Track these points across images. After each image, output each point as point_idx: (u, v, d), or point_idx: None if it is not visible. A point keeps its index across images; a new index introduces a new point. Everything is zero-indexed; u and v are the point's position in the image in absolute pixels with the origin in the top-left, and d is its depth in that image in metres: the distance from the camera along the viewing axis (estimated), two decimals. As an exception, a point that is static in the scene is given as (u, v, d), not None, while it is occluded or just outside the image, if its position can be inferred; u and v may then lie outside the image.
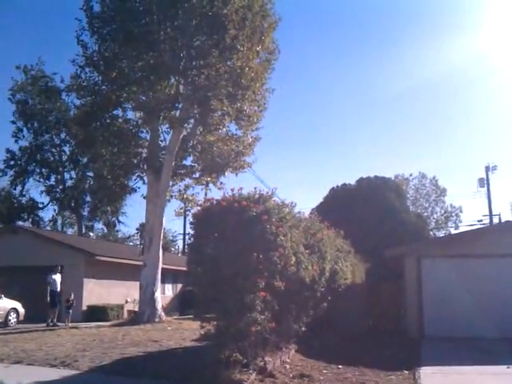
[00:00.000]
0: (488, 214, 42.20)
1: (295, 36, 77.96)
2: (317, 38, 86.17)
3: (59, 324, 18.24)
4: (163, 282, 22.95)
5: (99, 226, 47.77)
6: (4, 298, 18.87)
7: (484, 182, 43.05)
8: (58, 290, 19.03)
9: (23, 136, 40.47)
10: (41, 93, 39.86)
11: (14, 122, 39.87)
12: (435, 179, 59.90)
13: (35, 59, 43.75)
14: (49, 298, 18.62)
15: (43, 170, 41.39)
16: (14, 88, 39.56)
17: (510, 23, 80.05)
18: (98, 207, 42.44)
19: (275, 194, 9.66)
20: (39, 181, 41.51)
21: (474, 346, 12.98)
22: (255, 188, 9.20)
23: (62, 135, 41.59)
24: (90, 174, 39.45)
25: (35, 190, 42.76)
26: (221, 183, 21.49)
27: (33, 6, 70.34)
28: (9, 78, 60.58)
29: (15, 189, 41.28)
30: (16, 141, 40.18)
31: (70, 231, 49.03)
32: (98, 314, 21.55)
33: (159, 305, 19.30)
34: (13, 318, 19.00)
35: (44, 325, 18.09)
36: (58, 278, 19.18)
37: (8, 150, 40.17)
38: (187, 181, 22.13)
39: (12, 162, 40.41)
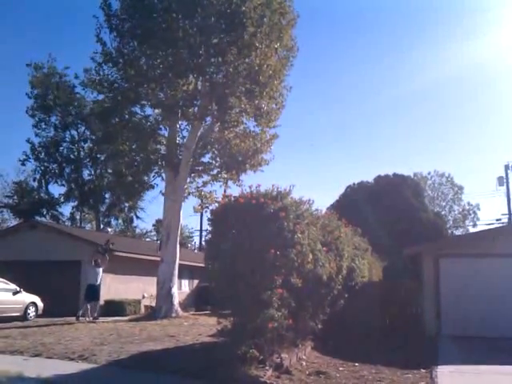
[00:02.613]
0: (507, 212, 41.79)
1: (313, 35, 77.68)
2: (336, 36, 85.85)
3: (81, 319, 18.27)
4: (180, 277, 23.03)
5: (116, 222, 48.13)
6: (23, 292, 19.07)
7: (503, 181, 42.61)
8: (98, 283, 19.07)
9: (43, 129, 40.76)
10: (56, 89, 40.08)
11: (33, 116, 40.15)
12: (450, 177, 59.54)
13: (46, 56, 44.21)
14: (88, 292, 18.77)
15: (63, 165, 41.71)
16: (32, 82, 39.77)
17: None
18: (116, 204, 42.76)
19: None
20: (59, 177, 41.87)
21: (492, 345, 12.87)
22: (273, 185, 9.22)
23: (81, 131, 41.96)
24: (109, 170, 39.70)
25: (54, 185, 43.00)
26: (239, 180, 21.50)
27: (44, 2, 71.00)
28: (21, 74, 61.56)
29: (40, 186, 41.71)
30: (37, 134, 40.53)
31: (88, 227, 49.44)
32: (115, 308, 21.68)
33: (176, 300, 19.40)
34: (32, 311, 19.18)
35: (74, 318, 18.13)
36: (99, 271, 19.15)
37: (31, 146, 40.57)
38: (205, 177, 22.20)
39: (33, 158, 40.84)
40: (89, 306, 18.82)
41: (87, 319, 18.21)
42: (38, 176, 41.38)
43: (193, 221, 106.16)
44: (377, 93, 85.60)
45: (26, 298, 19.15)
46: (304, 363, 9.78)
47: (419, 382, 8.85)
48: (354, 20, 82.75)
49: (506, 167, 42.61)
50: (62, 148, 41.73)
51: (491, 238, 16.15)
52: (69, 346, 11.31)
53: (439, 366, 10.06)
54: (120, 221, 47.65)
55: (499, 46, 75.01)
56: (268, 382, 7.95)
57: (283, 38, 19.07)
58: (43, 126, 40.64)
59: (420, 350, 12.30)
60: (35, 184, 42.07)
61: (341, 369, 9.68)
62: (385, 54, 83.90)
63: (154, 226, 53.76)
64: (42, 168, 41.11)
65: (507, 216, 41.61)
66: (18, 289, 19.01)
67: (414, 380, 9.03)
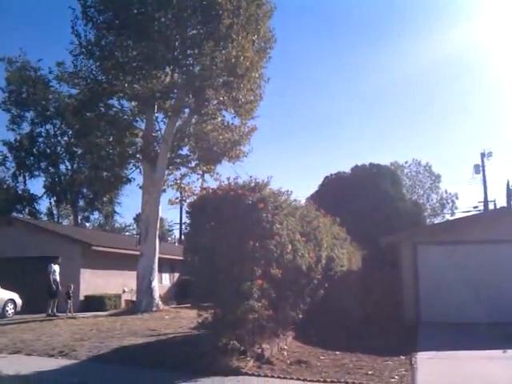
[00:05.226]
0: (483, 200, 42.35)
1: (291, 25, 77.59)
2: (313, 27, 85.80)
3: (59, 314, 18.30)
4: (160, 271, 22.98)
5: (95, 216, 47.81)
6: (1, 289, 18.86)
7: (479, 169, 43.17)
8: (58, 279, 19.15)
9: (18, 126, 40.10)
10: (30, 83, 39.42)
11: (8, 111, 39.49)
12: (428, 165, 60.12)
13: (18, 50, 43.41)
14: (52, 287, 18.82)
15: (41, 161, 41.12)
16: (8, 77, 39.10)
17: (506, 11, 79.90)
18: (96, 198, 42.36)
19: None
20: (37, 173, 41.30)
21: (470, 331, 13.04)
22: (251, 176, 9.22)
23: (57, 125, 41.36)
24: (86, 164, 39.22)
25: (31, 181, 42.32)
26: (217, 174, 21.52)
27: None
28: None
29: (17, 181, 41.01)
30: (13, 129, 39.86)
31: (65, 222, 48.88)
32: (95, 303, 21.60)
33: (156, 294, 19.36)
34: (10, 308, 19.01)
35: (44, 315, 18.15)
36: (57, 268, 19.27)
37: (5, 143, 39.89)
38: (183, 170, 22.13)
39: (10, 155, 40.20)
40: (70, 303, 18.91)
41: (51, 313, 18.44)
42: (15, 172, 40.75)
43: (172, 214, 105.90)
44: (355, 83, 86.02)
45: (4, 294, 18.95)
46: (285, 353, 9.81)
47: (399, 369, 8.90)
48: (332, 9, 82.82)
49: (482, 155, 43.22)
50: (38, 143, 41.14)
51: (468, 226, 16.36)
52: (48, 342, 11.23)
53: (418, 353, 10.14)
54: (98, 215, 47.35)
55: (475, 35, 75.68)
56: (249, 372, 7.97)
57: (260, 29, 19.02)
58: (19, 121, 40.03)
59: (400, 337, 12.40)
60: (12, 180, 41.49)
61: (322, 357, 9.72)
62: (362, 44, 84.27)
63: (134, 219, 53.40)
64: (20, 163, 40.45)
65: (483, 203, 42.20)
66: (-4, 286, 18.82)
67: (394, 367, 9.10)
